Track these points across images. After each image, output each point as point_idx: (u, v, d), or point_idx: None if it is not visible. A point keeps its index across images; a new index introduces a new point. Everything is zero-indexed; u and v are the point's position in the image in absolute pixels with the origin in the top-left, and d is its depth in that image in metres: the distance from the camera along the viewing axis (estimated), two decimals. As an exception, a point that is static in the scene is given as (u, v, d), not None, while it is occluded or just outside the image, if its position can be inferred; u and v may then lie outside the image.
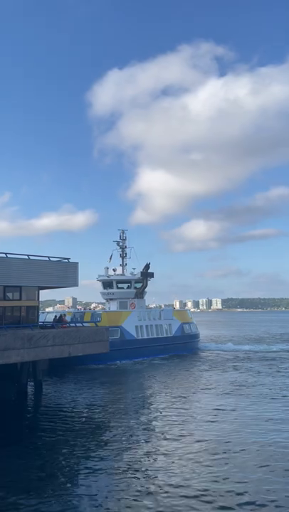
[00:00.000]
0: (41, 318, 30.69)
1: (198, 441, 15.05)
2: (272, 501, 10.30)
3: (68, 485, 11.60)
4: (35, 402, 23.37)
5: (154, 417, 18.72)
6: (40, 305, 30.05)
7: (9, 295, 25.11)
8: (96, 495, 10.84)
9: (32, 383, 24.71)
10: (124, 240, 48.73)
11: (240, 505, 10.13)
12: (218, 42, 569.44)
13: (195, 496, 10.64)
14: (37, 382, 24.53)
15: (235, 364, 36.13)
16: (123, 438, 15.62)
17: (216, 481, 11.52)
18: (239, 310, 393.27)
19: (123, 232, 49.14)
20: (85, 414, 19.86)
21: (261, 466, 12.54)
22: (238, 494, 10.69)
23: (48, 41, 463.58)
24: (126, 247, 48.70)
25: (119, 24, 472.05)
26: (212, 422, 17.66)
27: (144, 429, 16.93)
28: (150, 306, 57.69)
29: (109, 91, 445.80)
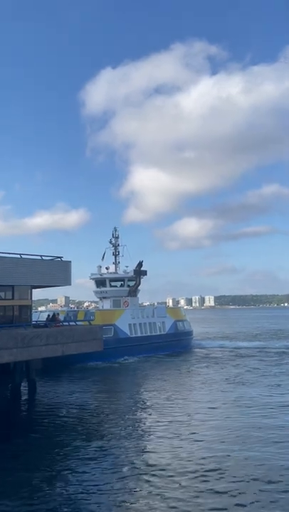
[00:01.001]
0: (34, 318, 30.51)
1: (195, 438, 15.06)
2: (274, 501, 10.30)
3: (61, 484, 11.54)
4: (28, 401, 23.26)
5: (149, 415, 18.74)
6: (33, 304, 29.87)
7: (1, 294, 24.91)
8: (89, 494, 10.78)
9: (26, 383, 24.56)
10: (117, 238, 48.63)
11: (239, 504, 10.05)
12: (211, 41, 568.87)
13: (192, 495, 10.59)
14: (31, 381, 24.38)
15: (228, 361, 36.30)
16: (117, 436, 15.60)
17: (214, 479, 11.51)
18: (232, 307, 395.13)
19: (116, 230, 49.03)
20: (79, 413, 19.81)
21: (262, 464, 12.43)
22: (238, 492, 10.59)
23: (40, 41, 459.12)
24: (119, 245, 48.61)
25: (113, 23, 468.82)
26: (208, 419, 17.72)
27: (139, 427, 16.95)
28: (144, 304, 57.69)
29: (102, 90, 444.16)
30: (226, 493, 10.60)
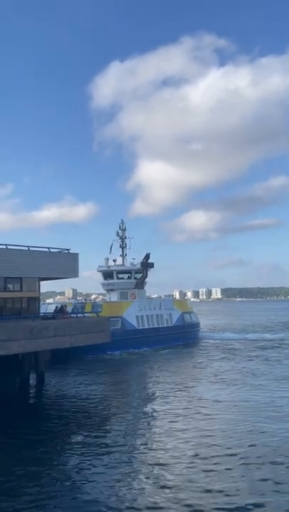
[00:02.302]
0: (42, 310, 30.69)
1: (203, 432, 15.05)
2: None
3: (67, 476, 11.60)
4: (37, 392, 23.47)
5: (156, 407, 18.81)
6: (41, 297, 30.01)
7: (10, 286, 25.04)
8: (94, 486, 10.81)
9: (34, 374, 24.78)
10: (124, 230, 48.58)
11: (246, 501, 9.89)
12: (220, 34, 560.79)
13: (199, 491, 10.50)
14: (39, 373, 24.59)
15: (236, 352, 36.30)
16: (124, 429, 15.65)
17: (223, 475, 11.42)
18: (239, 299, 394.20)
19: (123, 222, 48.95)
20: (86, 405, 19.96)
21: (270, 461, 12.29)
22: (244, 491, 10.38)
23: (49, 34, 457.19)
24: (126, 237, 48.57)
25: (122, 16, 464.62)
26: (216, 411, 17.72)
27: (146, 419, 17.01)
28: (152, 296, 57.78)
29: (110, 83, 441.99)
30: (234, 490, 10.41)
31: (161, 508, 9.59)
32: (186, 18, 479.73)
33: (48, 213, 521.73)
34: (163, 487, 10.61)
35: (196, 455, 12.65)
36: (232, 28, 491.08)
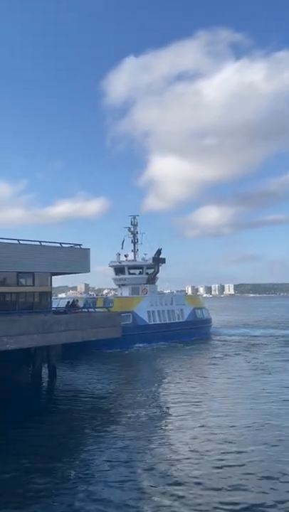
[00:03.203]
0: (54, 304, 31.00)
1: (215, 429, 15.03)
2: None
3: (78, 467, 11.77)
4: (49, 385, 23.79)
5: (168, 402, 18.93)
6: (53, 291, 30.30)
7: (22, 281, 25.33)
8: (101, 482, 10.87)
9: (46, 368, 25.10)
10: (136, 225, 48.60)
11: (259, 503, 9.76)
12: (236, 28, 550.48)
13: (209, 490, 10.53)
14: (51, 366, 24.89)
15: (248, 349, 36.16)
16: (134, 425, 15.68)
17: (233, 474, 11.36)
18: (252, 295, 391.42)
19: (134, 217, 48.95)
20: (97, 399, 20.14)
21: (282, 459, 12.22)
22: (256, 490, 10.27)
23: (64, 30, 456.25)
24: (137, 232, 48.62)
25: (136, 12, 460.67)
26: (228, 408, 17.71)
27: (157, 415, 17.01)
28: (165, 291, 57.82)
29: (123, 79, 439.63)
30: (246, 489, 10.32)
31: (169, 506, 9.64)
32: (202, 13, 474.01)
33: (62, 209, 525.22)
34: (171, 483, 10.68)
35: (207, 451, 12.67)
36: (248, 23, 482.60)
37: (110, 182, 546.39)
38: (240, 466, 11.50)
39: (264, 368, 26.63)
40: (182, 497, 9.82)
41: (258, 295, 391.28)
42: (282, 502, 9.50)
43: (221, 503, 9.51)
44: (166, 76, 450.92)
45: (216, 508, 9.32)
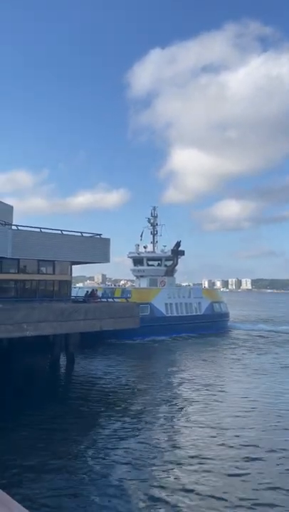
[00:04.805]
0: (73, 293, 31.21)
1: (230, 424, 14.97)
2: None
3: (88, 459, 11.75)
4: (67, 372, 24.04)
5: (185, 395, 18.86)
6: (72, 280, 30.50)
7: (43, 269, 25.59)
8: (113, 471, 10.87)
9: (64, 356, 25.36)
10: (156, 217, 48.33)
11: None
12: (265, 21, 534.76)
13: (221, 485, 10.50)
14: (69, 354, 25.14)
15: (265, 344, 35.76)
16: (149, 415, 15.70)
17: (248, 470, 11.35)
18: (269, 291, 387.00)
19: (154, 209, 48.68)
20: (113, 388, 20.26)
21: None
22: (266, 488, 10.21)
23: (90, 22, 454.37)
24: (157, 224, 48.38)
25: (167, 3, 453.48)
26: (244, 403, 17.56)
27: (173, 408, 16.99)
28: (182, 284, 57.68)
29: (148, 71, 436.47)
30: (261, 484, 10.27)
31: (180, 502, 9.61)
32: (232, 5, 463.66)
33: (82, 199, 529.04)
34: (184, 476, 10.65)
35: (222, 444, 12.60)
36: (278, 15, 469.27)
37: (131, 173, 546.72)
38: (248, 474, 11.27)
39: (283, 364, 26.25)
40: (194, 497, 9.76)
41: (275, 291, 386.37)
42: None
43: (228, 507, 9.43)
44: (191, 68, 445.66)
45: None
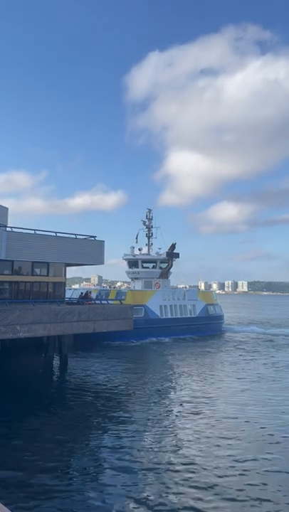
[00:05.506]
0: (67, 295, 31.31)
1: (223, 424, 15.14)
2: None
3: (86, 456, 12.00)
4: (60, 374, 24.13)
5: (178, 396, 19.01)
6: (67, 282, 30.61)
7: (37, 271, 25.66)
8: (106, 472, 11.09)
9: (57, 357, 25.44)
10: (151, 219, 48.57)
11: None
12: (265, 25, 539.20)
13: (215, 484, 10.65)
14: (62, 356, 25.23)
15: (259, 346, 35.97)
16: (142, 416, 15.93)
17: (242, 470, 11.55)
18: (265, 293, 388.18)
19: (150, 211, 48.92)
20: (107, 389, 20.35)
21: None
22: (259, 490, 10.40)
23: (91, 24, 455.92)
24: (152, 226, 48.61)
25: (166, 6, 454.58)
26: (237, 403, 17.74)
27: (166, 408, 17.20)
28: (179, 286, 57.89)
29: (147, 74, 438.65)
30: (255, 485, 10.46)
31: (177, 501, 9.77)
32: (230, 9, 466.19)
33: (80, 201, 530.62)
34: (178, 476, 10.79)
35: (215, 447, 12.76)
36: (277, 19, 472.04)
37: (128, 176, 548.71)
38: (240, 475, 11.47)
39: (274, 367, 26.47)
40: (190, 498, 9.92)
41: (271, 293, 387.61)
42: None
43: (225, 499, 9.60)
44: (189, 71, 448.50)
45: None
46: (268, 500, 9.47)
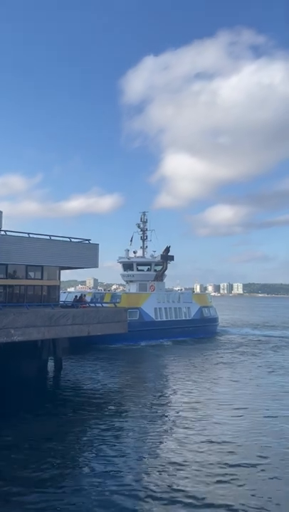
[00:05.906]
0: (62, 298, 31.31)
1: (217, 428, 15.22)
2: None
3: (80, 460, 12.03)
4: (54, 378, 24.11)
5: (172, 399, 19.09)
6: (62, 285, 30.61)
7: (31, 274, 25.67)
8: (102, 474, 11.15)
9: (52, 361, 25.41)
10: (145, 222, 48.70)
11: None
12: (259, 29, 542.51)
13: (210, 486, 10.75)
14: (57, 359, 25.22)
15: (253, 348, 36.11)
16: (138, 419, 16.00)
17: (238, 473, 11.58)
18: (261, 295, 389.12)
19: (144, 214, 49.07)
20: (101, 393, 20.38)
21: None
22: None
23: (88, 27, 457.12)
24: (147, 229, 48.74)
25: (162, 9, 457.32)
26: (232, 405, 17.84)
27: (160, 411, 17.25)
28: (174, 288, 58.05)
29: (142, 78, 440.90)
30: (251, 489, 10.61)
31: (171, 502, 9.83)
32: (225, 13, 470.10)
33: (76, 204, 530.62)
34: (172, 478, 10.86)
35: (209, 450, 12.83)
36: (271, 24, 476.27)
37: (124, 178, 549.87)
38: (237, 479, 11.58)
39: (268, 369, 26.61)
40: (184, 500, 10.00)
41: (267, 295, 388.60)
42: None
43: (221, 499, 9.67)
44: (184, 75, 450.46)
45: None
46: (263, 508, 9.56)
